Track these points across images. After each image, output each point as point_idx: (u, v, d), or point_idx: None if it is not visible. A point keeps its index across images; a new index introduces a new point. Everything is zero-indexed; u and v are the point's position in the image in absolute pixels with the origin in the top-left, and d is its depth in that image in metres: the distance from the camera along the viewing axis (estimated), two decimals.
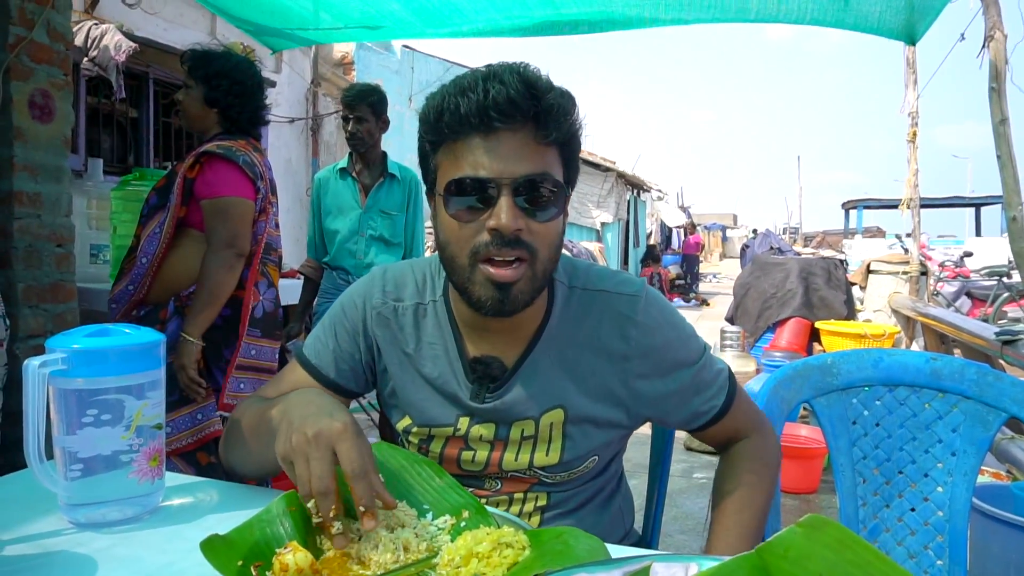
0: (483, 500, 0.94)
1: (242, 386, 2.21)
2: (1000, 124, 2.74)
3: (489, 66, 0.90)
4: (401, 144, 9.57)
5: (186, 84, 2.24)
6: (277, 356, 2.35)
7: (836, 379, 1.30)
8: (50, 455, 0.87)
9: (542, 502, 1.05)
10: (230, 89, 2.23)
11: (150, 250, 2.14)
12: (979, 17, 2.83)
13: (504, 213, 0.87)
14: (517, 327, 1.00)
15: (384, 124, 3.10)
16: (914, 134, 5.05)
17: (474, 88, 0.87)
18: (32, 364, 0.82)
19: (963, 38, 3.19)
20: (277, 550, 0.72)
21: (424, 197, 3.31)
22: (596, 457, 1.05)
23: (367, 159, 3.10)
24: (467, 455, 1.03)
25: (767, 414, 1.28)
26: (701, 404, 1.04)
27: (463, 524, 0.84)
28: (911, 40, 3.06)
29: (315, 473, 0.73)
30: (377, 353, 1.07)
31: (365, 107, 3.01)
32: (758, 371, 4.79)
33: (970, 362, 1.27)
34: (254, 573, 0.70)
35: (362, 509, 0.74)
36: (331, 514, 0.72)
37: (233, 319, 2.22)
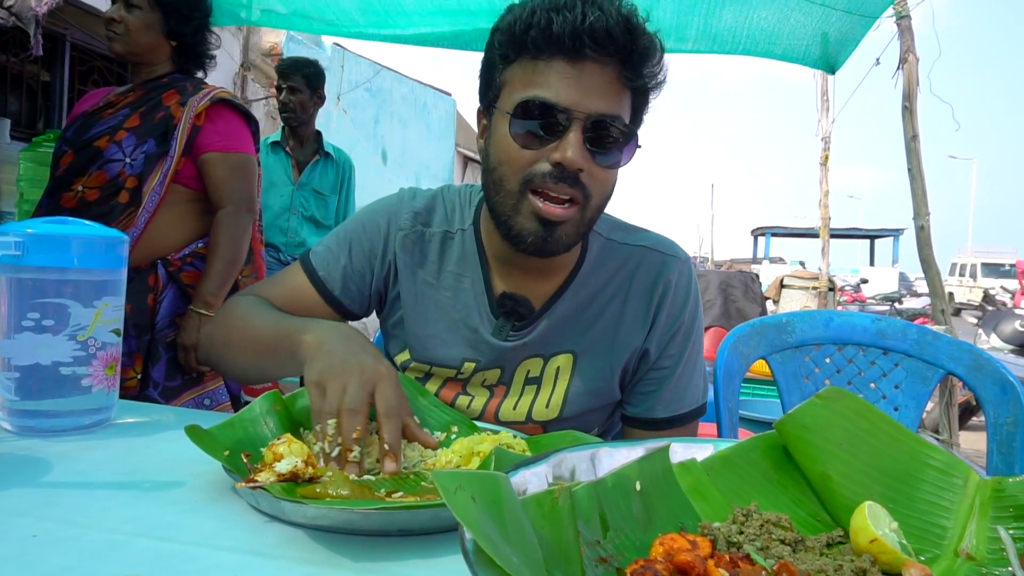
0: None
1: None
2: (912, 140, 2.96)
3: None
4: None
5: (132, 3, 1.81)
6: None
7: (791, 337, 1.35)
8: None
9: None
10: (201, 24, 1.90)
11: (151, 207, 1.79)
12: (894, 43, 3.06)
13: (572, 148, 0.81)
14: (549, 269, 0.96)
15: (320, 99, 3.04)
16: (826, 157, 5.38)
17: (570, 7, 0.80)
18: None
19: (878, 62, 3.44)
20: (271, 441, 0.67)
21: (355, 182, 3.25)
22: (597, 428, 1.02)
23: (300, 135, 3.03)
24: (463, 400, 0.98)
25: (727, 368, 1.32)
26: (664, 397, 1.00)
27: (453, 437, 0.82)
28: (831, 69, 3.25)
29: (350, 394, 0.70)
30: (393, 278, 1.01)
31: (299, 77, 2.95)
32: None
33: (911, 324, 1.34)
34: (245, 460, 0.65)
35: (386, 448, 0.70)
36: (354, 435, 0.68)
37: None
